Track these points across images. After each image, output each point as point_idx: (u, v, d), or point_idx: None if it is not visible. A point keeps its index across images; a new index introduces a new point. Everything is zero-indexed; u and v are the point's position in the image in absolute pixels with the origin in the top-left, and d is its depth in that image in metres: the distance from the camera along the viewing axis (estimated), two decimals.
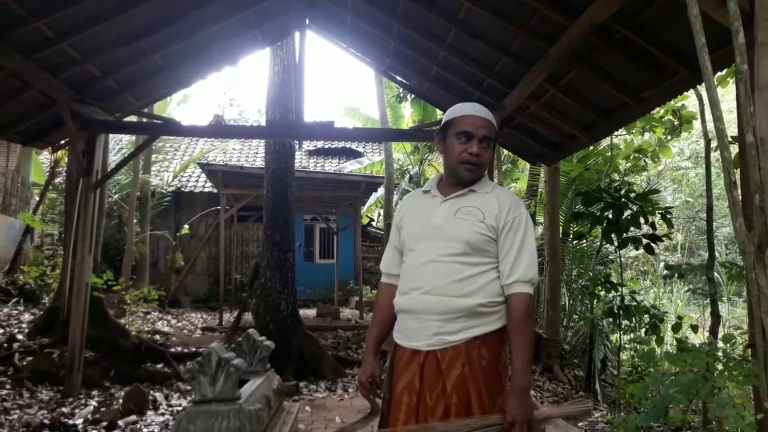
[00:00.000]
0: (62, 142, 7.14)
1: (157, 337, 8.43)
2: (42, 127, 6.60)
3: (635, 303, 5.25)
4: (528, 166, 12.19)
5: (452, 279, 2.10)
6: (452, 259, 2.11)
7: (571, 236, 10.73)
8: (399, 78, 7.89)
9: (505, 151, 11.38)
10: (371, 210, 18.96)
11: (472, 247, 2.11)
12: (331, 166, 18.60)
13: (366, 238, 18.53)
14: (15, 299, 9.28)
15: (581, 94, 5.72)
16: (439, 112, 11.82)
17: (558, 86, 5.65)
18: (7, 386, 6.06)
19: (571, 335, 9.86)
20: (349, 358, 8.43)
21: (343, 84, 53.96)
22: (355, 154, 19.47)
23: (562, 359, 8.75)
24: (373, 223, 20.48)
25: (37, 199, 12.92)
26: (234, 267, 14.96)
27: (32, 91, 5.74)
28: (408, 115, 15.73)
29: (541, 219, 11.76)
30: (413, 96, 11.69)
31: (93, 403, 5.76)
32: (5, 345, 6.89)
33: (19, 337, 7.28)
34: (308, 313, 12.61)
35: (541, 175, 11.21)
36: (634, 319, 5.37)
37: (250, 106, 40.61)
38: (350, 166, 17.17)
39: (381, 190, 15.74)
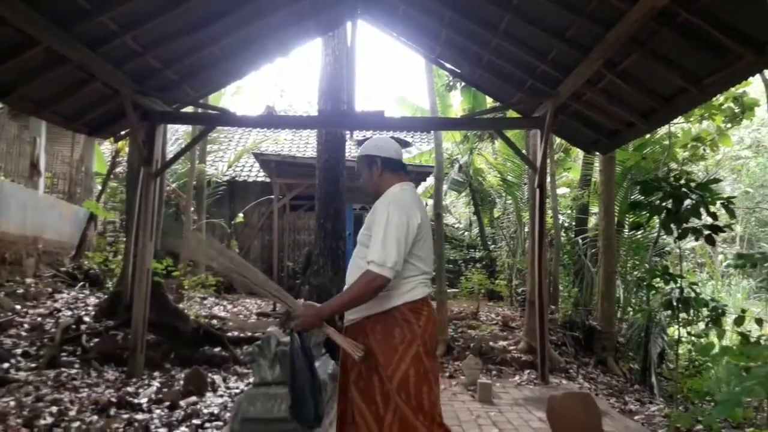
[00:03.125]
0: (124, 132, 7.41)
1: (214, 321, 8.68)
2: (105, 118, 6.88)
3: (695, 295, 5.11)
4: (581, 155, 11.94)
5: (351, 270, 2.67)
6: (356, 255, 2.69)
7: (627, 227, 10.50)
8: (450, 66, 7.85)
9: (558, 140, 11.16)
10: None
11: (362, 244, 2.65)
12: None
13: None
14: (81, 283, 9.74)
15: (640, 80, 5.57)
16: (489, 100, 11.70)
17: (615, 72, 5.52)
18: (76, 366, 6.38)
19: (625, 328, 9.66)
20: None
21: (391, 73, 53.89)
22: (403, 144, 19.43)
23: (617, 352, 8.60)
24: None
25: (99, 188, 13.46)
26: (286, 255, 15.21)
27: (97, 83, 5.99)
28: (457, 104, 15.57)
29: (594, 210, 11.53)
30: (463, 84, 11.58)
31: (155, 383, 5.99)
32: (74, 327, 7.24)
33: (86, 319, 7.63)
34: None
35: (596, 165, 10.98)
36: (692, 311, 5.23)
37: (300, 97, 41.07)
38: None
39: (429, 180, 15.68)
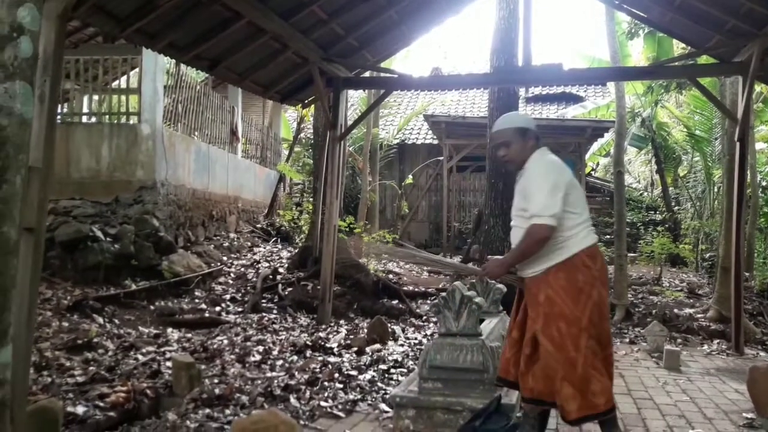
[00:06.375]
0: (310, 99, 7.94)
1: (391, 276, 9.14)
2: (295, 86, 7.43)
3: None
4: None
5: (515, 236, 3.09)
6: (517, 226, 3.08)
7: None
8: (635, 11, 7.28)
9: (759, 88, 9.92)
10: (594, 157, 17.98)
11: (519, 216, 3.03)
12: (549, 112, 17.92)
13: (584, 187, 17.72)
14: (274, 238, 10.82)
15: None
16: (678, 45, 10.71)
17: None
18: (274, 311, 7.14)
19: None
20: None
21: (565, 25, 51.00)
22: (575, 99, 18.44)
23: None
24: (593, 173, 19.46)
25: (286, 152, 14.63)
26: (452, 215, 15.42)
27: (288, 52, 6.48)
28: (636, 53, 14.45)
29: None
30: (647, 31, 10.67)
31: (343, 330, 6.51)
32: (270, 277, 8.08)
33: (281, 270, 8.47)
34: None
35: None
36: None
37: (463, 58, 40.66)
38: (572, 111, 16.35)
39: (607, 136, 14.82)
